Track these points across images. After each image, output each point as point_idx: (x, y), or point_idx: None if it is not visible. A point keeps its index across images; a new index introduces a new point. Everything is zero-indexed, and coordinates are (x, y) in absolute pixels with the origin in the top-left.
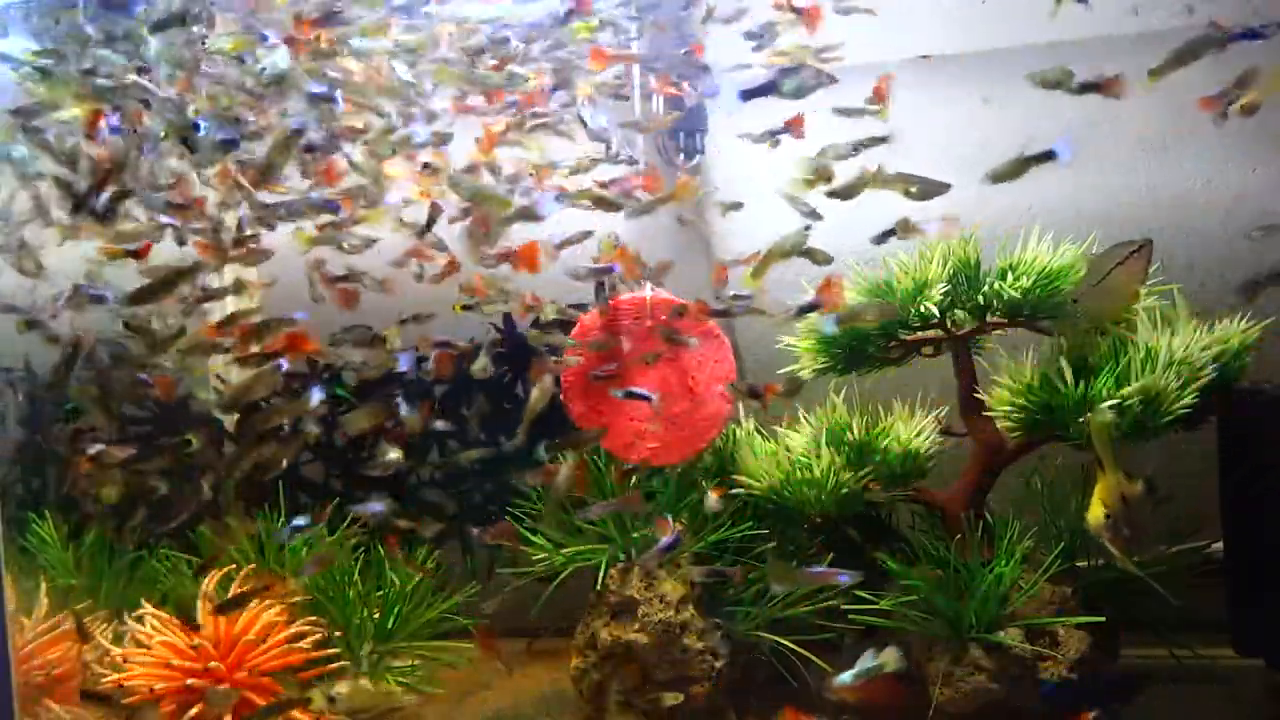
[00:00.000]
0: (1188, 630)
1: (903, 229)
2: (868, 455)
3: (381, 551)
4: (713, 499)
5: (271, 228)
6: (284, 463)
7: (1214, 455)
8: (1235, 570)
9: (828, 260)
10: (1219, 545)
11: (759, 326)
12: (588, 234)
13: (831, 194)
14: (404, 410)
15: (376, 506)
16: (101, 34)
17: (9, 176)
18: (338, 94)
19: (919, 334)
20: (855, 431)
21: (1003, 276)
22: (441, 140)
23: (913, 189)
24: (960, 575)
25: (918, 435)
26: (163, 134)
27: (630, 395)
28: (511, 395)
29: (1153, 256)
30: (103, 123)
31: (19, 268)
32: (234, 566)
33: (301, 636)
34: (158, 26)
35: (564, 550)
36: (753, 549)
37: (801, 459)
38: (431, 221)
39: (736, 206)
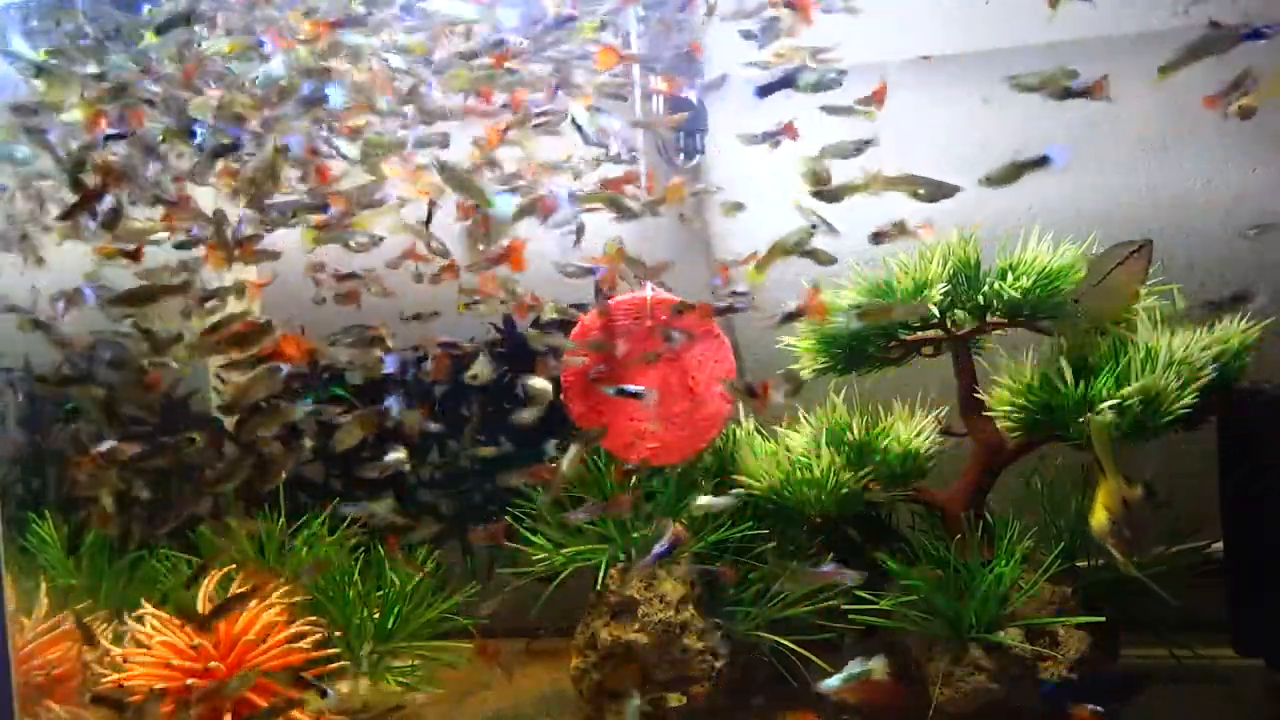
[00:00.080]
0: (1188, 630)
1: (884, 233)
2: (868, 455)
3: (381, 551)
4: (703, 501)
5: (269, 229)
6: (283, 474)
7: (1214, 455)
8: (1235, 570)
9: (831, 261)
10: (1219, 545)
11: (759, 326)
12: (581, 230)
13: (819, 194)
14: (395, 411)
15: (368, 506)
16: (101, 33)
17: (11, 174)
18: (331, 95)
19: (919, 334)
20: (855, 431)
21: (1003, 276)
22: (443, 143)
23: (921, 191)
24: (960, 575)
25: (918, 435)
26: (161, 137)
27: (622, 393)
28: (511, 396)
29: (1153, 256)
30: (103, 123)
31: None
32: (234, 566)
33: (301, 636)
34: (161, 28)
35: (564, 550)
36: (753, 549)
37: (801, 459)
38: (430, 216)
39: (739, 207)
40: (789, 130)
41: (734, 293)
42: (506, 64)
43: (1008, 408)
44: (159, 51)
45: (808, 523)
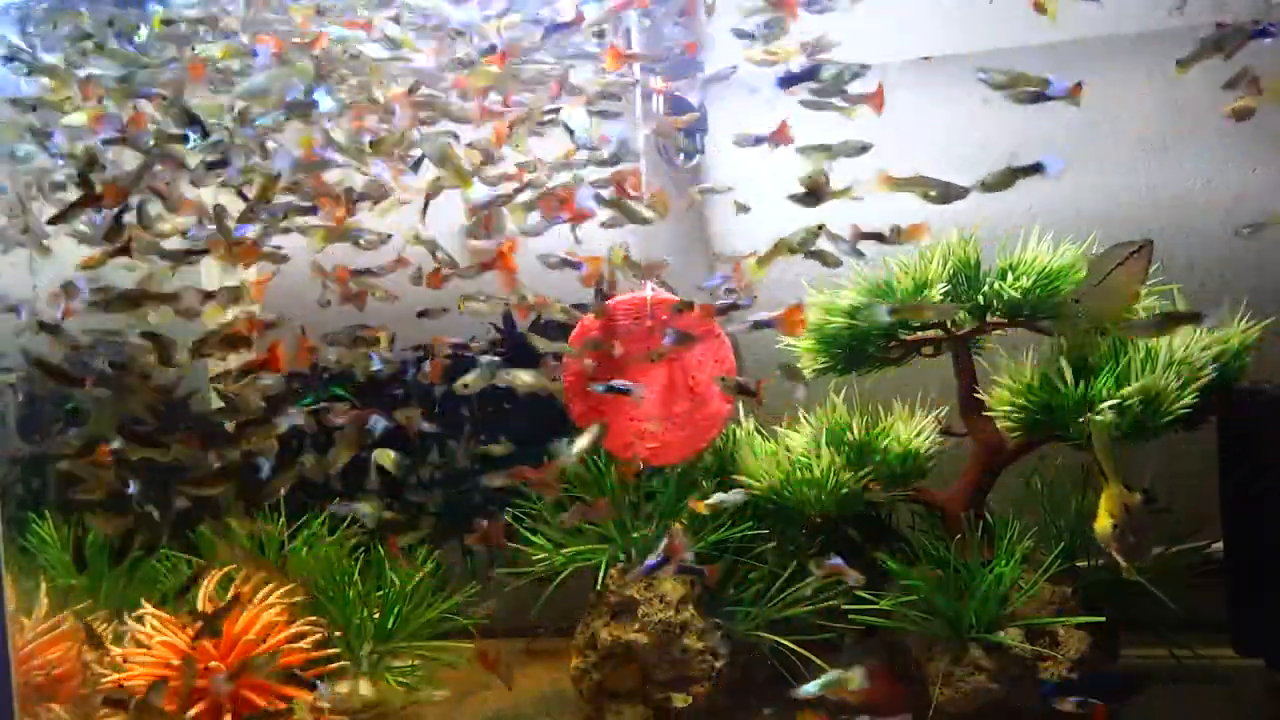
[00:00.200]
0: (1188, 630)
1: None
2: (868, 455)
3: (381, 551)
4: (714, 498)
5: (267, 231)
6: (281, 489)
7: (1214, 455)
8: (1235, 570)
9: (837, 263)
10: (1219, 545)
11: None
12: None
13: (807, 197)
14: (379, 429)
15: (360, 506)
16: (100, 34)
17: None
18: (319, 101)
19: (919, 334)
20: (855, 431)
21: (1003, 276)
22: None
23: (931, 192)
24: (960, 575)
25: (918, 435)
26: (152, 142)
27: (611, 390)
28: (511, 396)
29: (1153, 256)
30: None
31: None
32: (234, 566)
33: (302, 636)
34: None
35: (564, 550)
36: (753, 549)
37: (801, 459)
38: (426, 207)
39: (745, 209)
40: (782, 133)
41: (729, 290)
42: (507, 65)
43: (1008, 408)
44: (159, 53)
45: (808, 523)
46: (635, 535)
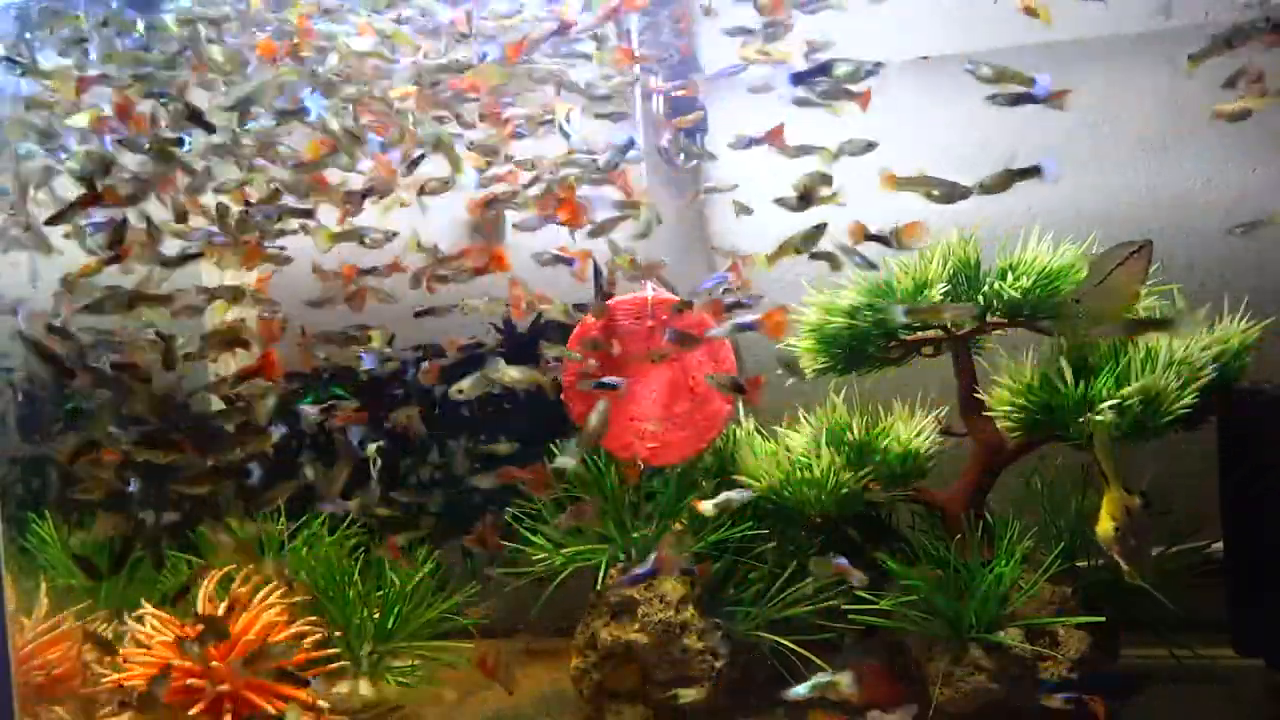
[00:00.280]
0: (1188, 630)
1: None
2: (868, 455)
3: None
4: (722, 497)
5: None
6: (280, 500)
7: (1214, 455)
8: (1235, 570)
9: (839, 265)
10: (1219, 545)
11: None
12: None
13: (781, 200)
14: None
15: (348, 505)
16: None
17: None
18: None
19: (919, 334)
20: (855, 431)
21: (1003, 276)
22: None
23: (935, 192)
24: (960, 575)
25: (918, 435)
26: (147, 145)
27: (601, 386)
28: (511, 396)
29: (1153, 256)
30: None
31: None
32: (234, 566)
33: (302, 636)
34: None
35: (564, 550)
36: (753, 549)
37: (801, 459)
38: (422, 194)
39: (747, 210)
40: (777, 135)
41: (726, 289)
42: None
43: (1008, 408)
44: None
45: (808, 523)
46: (635, 535)
